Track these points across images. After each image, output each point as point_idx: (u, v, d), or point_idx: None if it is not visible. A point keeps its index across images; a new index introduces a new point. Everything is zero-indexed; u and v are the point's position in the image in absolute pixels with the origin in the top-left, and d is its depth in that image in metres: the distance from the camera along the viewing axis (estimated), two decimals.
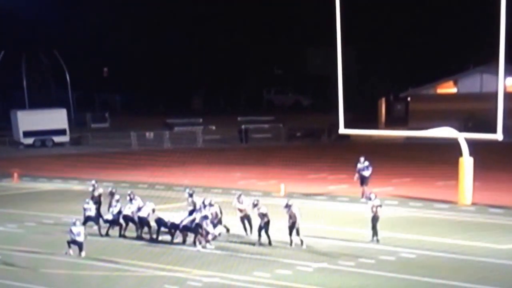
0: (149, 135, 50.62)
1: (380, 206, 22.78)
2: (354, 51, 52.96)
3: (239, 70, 71.50)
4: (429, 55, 60.36)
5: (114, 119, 58.86)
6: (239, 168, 38.43)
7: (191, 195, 24.58)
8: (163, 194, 30.24)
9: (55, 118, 49.86)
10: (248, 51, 69.99)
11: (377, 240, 22.50)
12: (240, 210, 23.56)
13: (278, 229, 22.91)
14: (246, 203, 23.45)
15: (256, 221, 22.79)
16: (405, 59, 61.45)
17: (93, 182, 26.24)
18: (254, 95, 71.92)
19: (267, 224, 22.44)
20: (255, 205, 22.75)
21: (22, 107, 55.98)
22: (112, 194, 24.73)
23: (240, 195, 23.83)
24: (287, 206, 22.57)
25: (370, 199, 23.08)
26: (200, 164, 40.15)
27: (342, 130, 29.11)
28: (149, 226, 23.54)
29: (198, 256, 21.48)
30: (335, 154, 42.62)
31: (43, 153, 47.07)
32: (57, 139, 49.60)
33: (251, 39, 69.80)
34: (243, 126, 51.76)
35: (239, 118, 55.74)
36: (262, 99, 72.30)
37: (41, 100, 61.83)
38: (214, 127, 53.84)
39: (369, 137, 45.52)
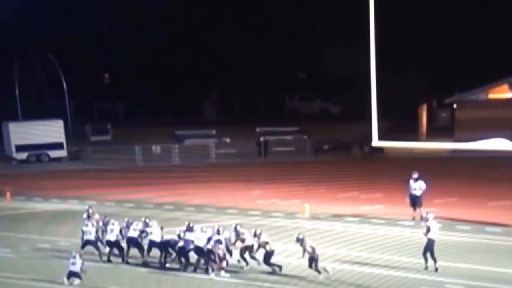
0: (156, 149, 50.91)
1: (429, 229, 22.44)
2: (388, 49, 52.76)
3: (257, 74, 71.44)
4: (480, 54, 58.96)
5: (116, 131, 59.22)
6: (257, 186, 38.58)
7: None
8: (172, 215, 30.40)
9: (51, 130, 50.30)
10: (266, 52, 70.03)
11: (436, 269, 22.35)
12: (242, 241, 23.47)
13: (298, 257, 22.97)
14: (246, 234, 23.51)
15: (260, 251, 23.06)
16: (450, 58, 60.45)
17: (87, 207, 26.38)
18: (274, 102, 71.62)
19: (268, 254, 22.67)
20: (255, 235, 23.02)
21: (15, 118, 56.14)
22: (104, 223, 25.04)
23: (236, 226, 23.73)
24: (299, 241, 22.62)
25: (427, 220, 22.88)
26: (213, 181, 40.35)
27: (376, 142, 28.24)
28: (168, 251, 23.62)
29: (209, 285, 21.48)
30: (368, 170, 42.59)
31: (38, 169, 47.53)
32: (53, 153, 50.04)
33: (268, 39, 69.89)
34: (262, 138, 51.99)
35: (257, 129, 55.85)
36: (284, 107, 72.33)
37: (35, 111, 62.07)
38: (228, 140, 53.91)
39: (408, 150, 45.28)
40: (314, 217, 30.15)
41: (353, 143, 51.51)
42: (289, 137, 53.81)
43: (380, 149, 45.32)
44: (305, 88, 72.67)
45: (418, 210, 28.83)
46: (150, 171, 45.01)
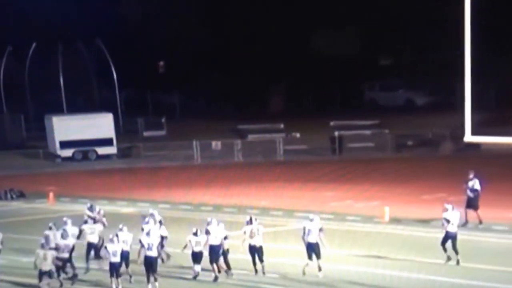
0: (216, 145, 51.29)
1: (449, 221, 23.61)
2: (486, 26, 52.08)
3: (332, 60, 71.12)
4: None
5: (172, 126, 59.97)
6: (330, 186, 38.84)
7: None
8: (234, 218, 30.93)
9: (99, 125, 51.17)
10: (343, 34, 69.65)
11: (457, 261, 23.69)
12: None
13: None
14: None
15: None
16: None
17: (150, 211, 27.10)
18: (352, 92, 71.31)
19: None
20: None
21: (59, 111, 57.31)
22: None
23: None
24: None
25: (446, 210, 24.30)
26: (280, 181, 40.72)
27: (468, 137, 28.37)
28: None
29: None
30: (459, 169, 41.87)
31: (84, 167, 48.45)
32: (101, 150, 50.87)
33: (344, 19, 69.54)
34: (336, 133, 52.04)
35: (331, 123, 55.96)
36: (363, 98, 72.14)
37: (82, 103, 63.34)
38: (298, 135, 54.14)
39: (508, 146, 44.66)
40: (394, 221, 30.33)
41: (441, 138, 51.16)
42: (367, 132, 53.74)
43: (475, 145, 44.67)
44: (387, 75, 72.33)
45: (477, 213, 29.30)
46: (209, 169, 45.61)
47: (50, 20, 64.96)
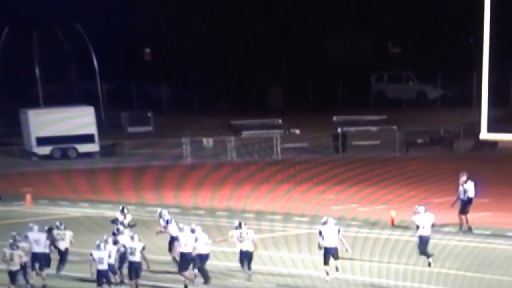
0: (208, 142, 51.55)
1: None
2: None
3: (336, 47, 70.90)
4: None
5: (159, 120, 60.01)
6: (333, 188, 39.07)
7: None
8: (226, 223, 30.91)
9: (79, 120, 51.20)
10: (349, 19, 69.56)
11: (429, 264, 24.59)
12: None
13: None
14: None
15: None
16: None
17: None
18: (357, 83, 71.17)
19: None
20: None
21: (35, 104, 57.09)
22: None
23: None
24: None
25: (418, 213, 25.19)
26: (278, 182, 40.94)
27: (484, 134, 28.99)
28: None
29: None
30: (474, 169, 41.80)
31: (64, 167, 48.37)
32: (82, 148, 50.92)
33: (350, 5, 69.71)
34: (339, 129, 52.20)
35: (334, 118, 56.08)
36: (370, 90, 72.16)
37: (60, 95, 63.24)
38: (298, 131, 54.39)
39: None
40: (402, 227, 30.61)
41: (455, 136, 51.20)
42: (374, 128, 54.01)
43: (492, 144, 44.73)
44: (397, 66, 72.23)
45: (466, 218, 29.78)
46: (200, 169, 45.74)
47: (24, 2, 64.58)
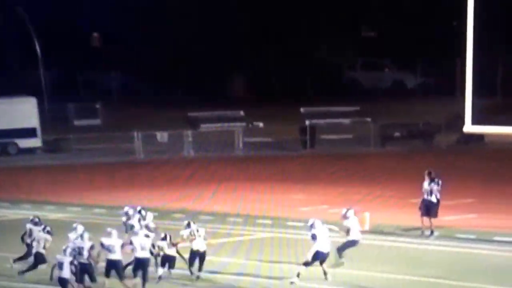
0: (162, 136, 51.59)
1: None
2: None
3: (298, 32, 70.91)
4: None
5: (109, 113, 59.93)
6: (300, 188, 39.13)
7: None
8: (181, 226, 30.95)
9: (20, 112, 51.08)
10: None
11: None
12: None
13: None
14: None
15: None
16: None
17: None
18: (327, 71, 71.45)
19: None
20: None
21: None
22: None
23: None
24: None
25: (347, 218, 25.60)
26: (240, 180, 40.95)
27: (469, 126, 27.93)
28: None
29: None
30: (458, 166, 42.77)
31: (3, 164, 48.20)
32: (23, 143, 50.78)
33: None
34: (308, 122, 52.42)
35: (302, 110, 56.21)
36: (342, 78, 72.39)
37: None
38: (262, 124, 54.59)
39: None
40: (376, 231, 30.54)
41: (436, 129, 51.65)
42: (346, 121, 54.31)
43: (477, 137, 44.92)
44: (372, 51, 72.63)
45: (430, 221, 29.68)
46: (154, 166, 45.73)
47: None
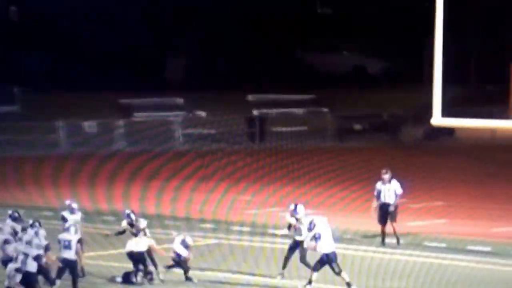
0: (90, 127, 51.60)
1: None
2: None
3: (252, 8, 71.14)
4: None
5: (29, 99, 59.54)
6: (248, 187, 39.22)
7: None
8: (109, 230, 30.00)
9: None
10: None
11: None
12: None
13: None
14: None
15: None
16: None
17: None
18: (278, 54, 71.47)
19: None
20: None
21: None
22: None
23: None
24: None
25: (314, 226, 24.43)
26: (178, 178, 40.85)
27: (437, 119, 28.26)
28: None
29: None
30: (426, 164, 43.53)
31: None
32: None
33: None
34: (256, 112, 52.77)
35: (249, 97, 56.81)
36: (293, 62, 72.16)
37: None
38: (203, 113, 54.48)
39: (491, 132, 45.24)
40: (335, 238, 30.17)
41: (402, 121, 52.27)
42: (299, 111, 54.69)
43: (447, 131, 45.70)
44: (328, 32, 72.57)
45: (393, 227, 29.74)
46: (80, 160, 45.46)
47: None
